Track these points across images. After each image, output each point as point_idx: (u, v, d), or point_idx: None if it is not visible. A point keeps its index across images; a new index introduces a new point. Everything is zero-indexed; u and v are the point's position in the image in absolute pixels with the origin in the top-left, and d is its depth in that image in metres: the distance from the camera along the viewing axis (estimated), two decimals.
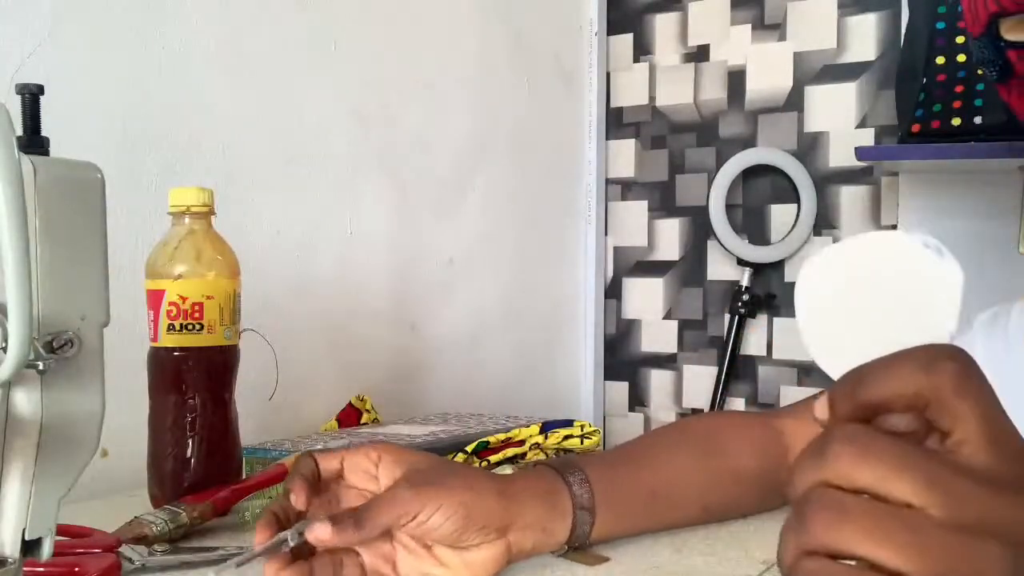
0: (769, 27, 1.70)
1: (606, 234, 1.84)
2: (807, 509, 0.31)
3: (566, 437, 0.93)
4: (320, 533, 0.50)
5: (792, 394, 1.68)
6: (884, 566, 0.29)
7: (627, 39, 1.83)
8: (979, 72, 1.37)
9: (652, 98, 1.81)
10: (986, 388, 0.32)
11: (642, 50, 1.82)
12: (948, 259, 0.34)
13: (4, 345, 0.37)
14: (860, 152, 1.45)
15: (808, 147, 1.67)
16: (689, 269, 1.78)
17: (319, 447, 0.81)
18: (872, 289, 0.34)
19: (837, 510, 0.30)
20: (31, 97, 0.45)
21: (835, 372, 0.34)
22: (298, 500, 0.53)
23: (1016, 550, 0.30)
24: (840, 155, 1.64)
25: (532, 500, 0.58)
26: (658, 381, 1.82)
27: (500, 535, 0.55)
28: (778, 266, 1.70)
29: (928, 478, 0.30)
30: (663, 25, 1.80)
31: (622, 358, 1.85)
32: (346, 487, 0.58)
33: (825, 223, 1.66)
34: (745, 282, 1.69)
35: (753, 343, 1.72)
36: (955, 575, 0.29)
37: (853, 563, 0.30)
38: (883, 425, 0.33)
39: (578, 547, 0.61)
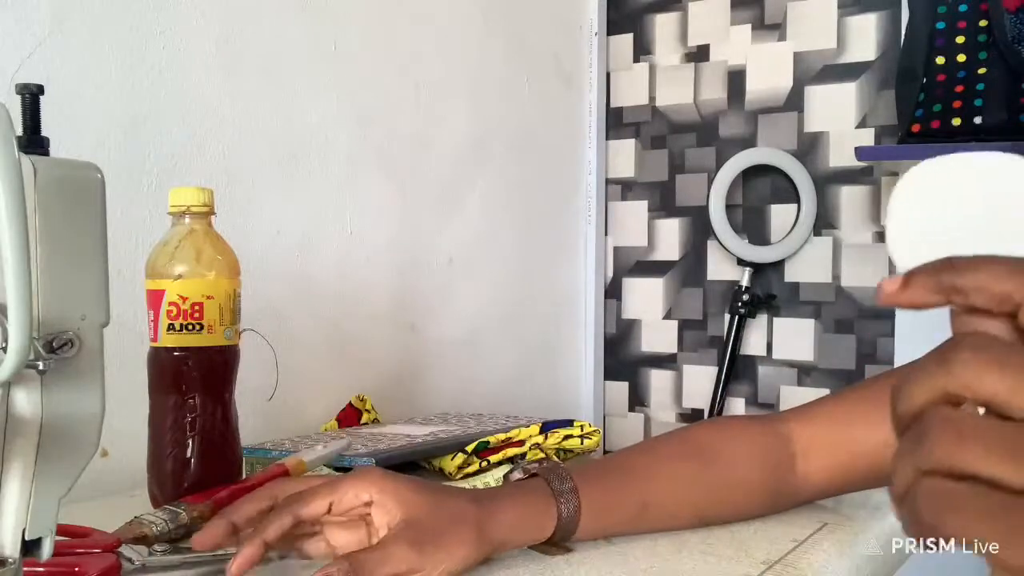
0: (769, 27, 1.70)
1: (606, 234, 1.84)
2: (925, 428, 0.29)
3: (566, 437, 0.93)
4: None
5: (792, 394, 1.68)
6: (1009, 485, 0.28)
7: (627, 39, 1.83)
8: (980, 72, 1.37)
9: (652, 98, 1.81)
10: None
11: (642, 50, 1.82)
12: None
13: (4, 345, 0.37)
14: (860, 152, 1.45)
15: (808, 147, 1.67)
16: (689, 269, 1.78)
17: (319, 447, 0.81)
18: (969, 205, 0.34)
19: (957, 428, 0.29)
20: (31, 97, 0.45)
21: None
22: (202, 543, 0.57)
23: None
24: (840, 155, 1.64)
25: (520, 533, 0.60)
26: (658, 381, 1.82)
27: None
28: (778, 266, 1.70)
29: None
30: (663, 25, 1.80)
31: (622, 358, 1.85)
32: (332, 522, 0.58)
33: (825, 223, 1.66)
34: (745, 282, 1.69)
35: (753, 343, 1.73)
36: None
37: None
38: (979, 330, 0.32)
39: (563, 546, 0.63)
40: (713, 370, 1.74)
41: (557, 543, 0.62)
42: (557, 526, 0.61)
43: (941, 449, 0.29)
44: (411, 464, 0.90)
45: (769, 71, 1.70)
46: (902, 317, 1.58)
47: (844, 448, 0.68)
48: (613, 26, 1.83)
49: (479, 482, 0.83)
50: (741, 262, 1.71)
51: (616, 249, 1.85)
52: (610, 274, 1.85)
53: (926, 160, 0.35)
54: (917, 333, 1.56)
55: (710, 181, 1.74)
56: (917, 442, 0.30)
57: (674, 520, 0.67)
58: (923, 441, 0.29)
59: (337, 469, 0.80)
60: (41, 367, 0.40)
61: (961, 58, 1.40)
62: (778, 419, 0.71)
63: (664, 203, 1.81)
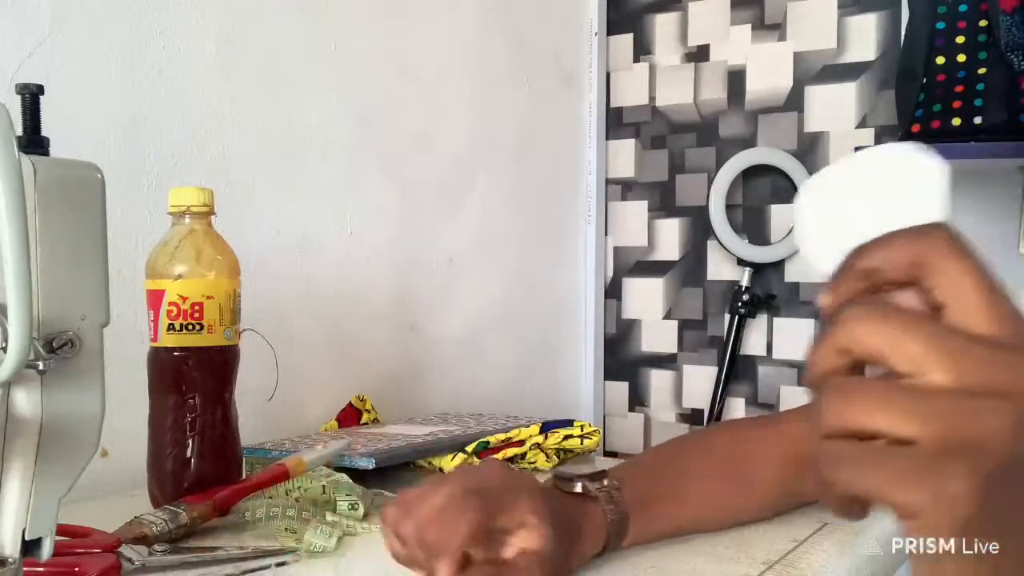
0: (769, 27, 1.70)
1: (606, 234, 1.84)
2: (821, 396, 0.32)
3: (566, 437, 0.93)
4: None
5: (792, 394, 1.68)
6: (896, 435, 0.30)
7: (627, 39, 1.83)
8: (980, 72, 1.37)
9: (652, 98, 1.81)
10: (976, 253, 0.32)
11: (642, 50, 1.82)
12: (929, 153, 0.36)
13: (4, 345, 0.37)
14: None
15: (808, 147, 1.67)
16: (689, 269, 1.78)
17: (319, 447, 0.81)
18: (866, 194, 0.36)
19: (843, 391, 0.31)
20: (31, 97, 0.45)
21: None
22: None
23: (1020, 407, 0.30)
24: (840, 155, 1.64)
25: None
26: (658, 381, 1.82)
27: None
28: (778, 266, 1.70)
29: (934, 340, 0.30)
30: (663, 25, 1.80)
31: (622, 358, 1.85)
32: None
33: None
34: (745, 282, 1.69)
35: (753, 343, 1.72)
36: (962, 435, 0.30)
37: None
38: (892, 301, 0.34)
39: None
40: (713, 370, 1.74)
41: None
42: (603, 550, 0.62)
43: (831, 412, 0.31)
44: (411, 464, 0.90)
45: (769, 71, 1.70)
46: None
47: None
48: (613, 26, 1.83)
49: None
50: (741, 262, 1.71)
51: (616, 249, 1.85)
52: (610, 274, 1.85)
53: (822, 169, 0.38)
54: None
55: (710, 181, 1.74)
56: (816, 410, 0.32)
57: (700, 531, 0.69)
58: (818, 408, 0.32)
59: (337, 469, 0.80)
60: (41, 367, 0.40)
61: (961, 58, 1.39)
62: (783, 420, 0.71)
63: (664, 203, 1.81)
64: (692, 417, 1.78)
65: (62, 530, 0.49)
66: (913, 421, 0.30)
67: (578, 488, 0.61)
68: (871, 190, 0.36)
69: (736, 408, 1.74)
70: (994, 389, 0.30)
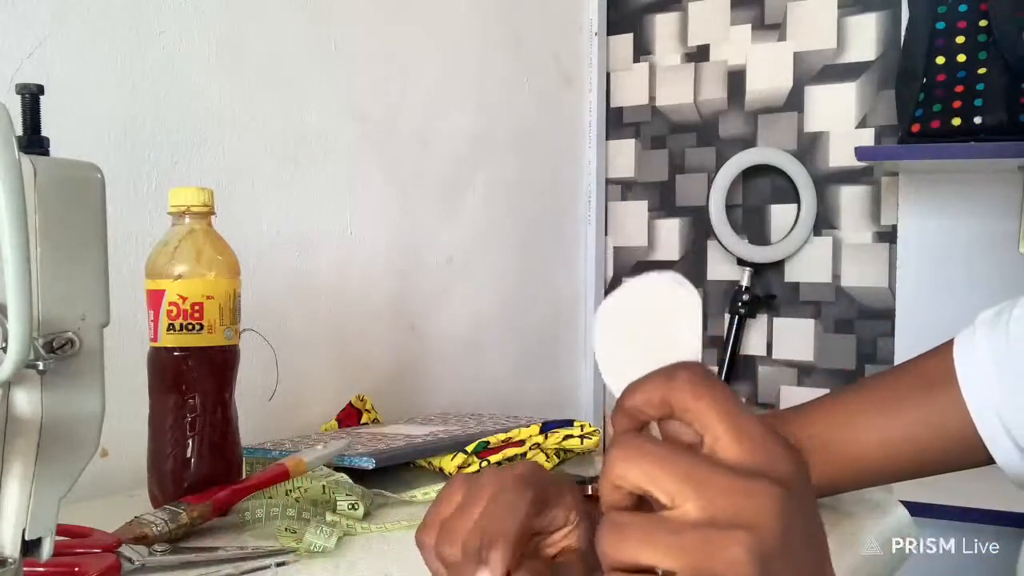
0: (769, 27, 1.70)
1: (606, 234, 1.84)
2: (600, 530, 0.35)
3: (566, 437, 0.93)
4: None
5: (792, 394, 1.68)
6: (664, 569, 0.34)
7: (627, 39, 1.83)
8: (980, 72, 1.37)
9: (652, 98, 1.81)
10: (720, 388, 0.36)
11: (642, 50, 1.82)
12: (687, 287, 0.40)
13: (4, 345, 0.37)
14: (860, 152, 1.45)
15: (808, 147, 1.67)
16: (689, 269, 1.78)
17: (319, 447, 0.81)
18: (643, 322, 0.40)
19: (617, 528, 0.34)
20: (31, 97, 0.44)
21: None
22: None
23: (762, 535, 0.33)
24: (840, 155, 1.64)
25: None
26: None
27: None
28: (778, 266, 1.70)
29: (685, 474, 0.34)
30: (663, 25, 1.80)
31: None
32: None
33: (825, 223, 1.66)
34: (745, 282, 1.69)
35: (753, 343, 1.73)
36: (712, 567, 0.33)
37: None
38: (668, 434, 0.38)
39: None
40: (713, 370, 1.74)
41: None
42: None
43: (610, 550, 0.34)
44: (411, 464, 0.90)
45: (769, 71, 1.70)
46: (902, 317, 1.58)
47: (842, 449, 0.68)
48: (613, 26, 1.83)
49: None
50: (741, 262, 1.71)
51: (616, 249, 1.85)
52: (610, 274, 1.85)
53: (615, 292, 0.42)
54: (917, 333, 1.56)
55: (710, 181, 1.74)
56: (598, 545, 0.35)
57: None
58: (599, 545, 0.35)
59: (337, 469, 0.80)
60: (41, 367, 0.40)
61: (961, 58, 1.40)
62: (781, 422, 0.71)
63: (664, 203, 1.81)
64: None
65: (62, 530, 0.49)
66: (671, 556, 0.33)
67: (590, 491, 0.60)
68: (641, 320, 0.40)
69: None
70: (739, 519, 0.33)
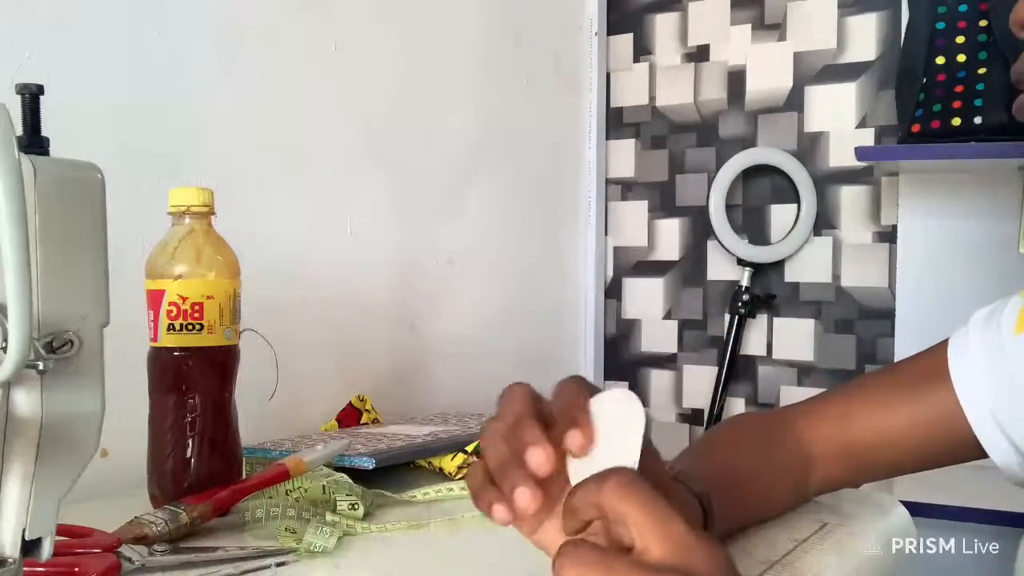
0: (769, 27, 1.70)
1: (606, 234, 1.84)
2: None
3: None
4: None
5: (792, 394, 1.68)
6: None
7: (627, 39, 1.83)
8: (980, 72, 1.37)
9: (652, 98, 1.81)
10: (646, 492, 0.39)
11: (642, 50, 1.82)
12: (635, 403, 0.45)
13: (4, 345, 0.37)
14: (860, 152, 1.45)
15: (808, 147, 1.67)
16: (689, 269, 1.78)
17: (319, 447, 0.81)
18: (603, 429, 0.45)
19: None
20: (31, 97, 0.44)
21: None
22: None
23: None
24: (840, 155, 1.64)
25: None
26: (658, 381, 1.82)
27: None
28: (778, 266, 1.70)
29: None
30: (663, 25, 1.80)
31: (622, 358, 1.85)
32: None
33: (825, 223, 1.66)
34: (745, 282, 1.69)
35: (753, 343, 1.72)
36: None
37: None
38: (612, 534, 0.42)
39: None
40: (713, 370, 1.74)
41: None
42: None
43: None
44: (411, 464, 0.90)
45: (769, 71, 1.70)
46: (902, 317, 1.58)
47: (846, 444, 0.69)
48: (613, 26, 1.83)
49: None
50: (741, 262, 1.71)
51: (616, 249, 1.85)
52: (610, 274, 1.85)
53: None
54: (917, 333, 1.56)
55: (710, 181, 1.74)
56: None
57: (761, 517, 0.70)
58: None
59: (337, 469, 0.80)
60: (41, 367, 0.40)
61: (961, 58, 1.39)
62: (790, 419, 0.71)
63: (664, 203, 1.81)
64: (692, 417, 1.78)
65: (62, 530, 0.49)
66: None
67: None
68: (598, 431, 0.45)
69: (736, 408, 1.74)
70: None
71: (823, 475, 0.70)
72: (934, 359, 0.66)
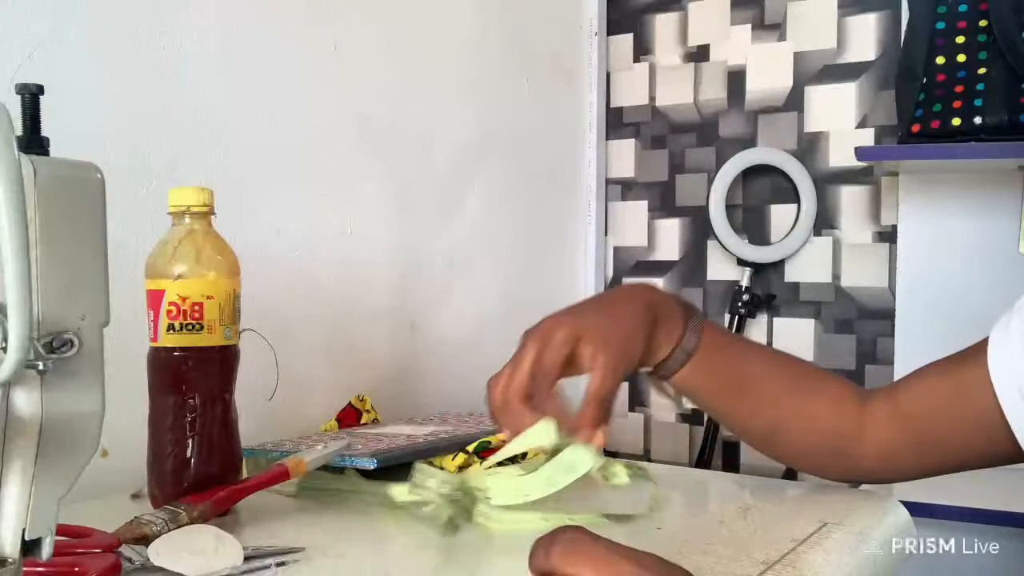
0: (769, 27, 1.70)
1: (606, 234, 1.84)
2: None
3: None
4: None
5: None
6: None
7: (627, 39, 1.83)
8: (980, 72, 1.37)
9: (652, 98, 1.81)
10: (592, 551, 0.43)
11: (642, 50, 1.82)
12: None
13: (4, 345, 0.37)
14: (860, 152, 1.45)
15: (808, 147, 1.67)
16: (689, 269, 1.78)
17: (319, 447, 0.81)
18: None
19: None
20: (31, 97, 0.44)
21: None
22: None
23: None
24: (840, 155, 1.64)
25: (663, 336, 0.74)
26: None
27: None
28: (778, 266, 1.70)
29: None
30: (663, 25, 1.80)
31: None
32: None
33: (825, 223, 1.66)
34: (745, 282, 1.69)
35: None
36: None
37: None
38: None
39: (662, 376, 0.76)
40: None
41: (666, 378, 0.75)
42: (674, 348, 0.74)
43: None
44: (411, 464, 0.90)
45: (769, 71, 1.70)
46: (902, 317, 1.58)
47: (909, 433, 0.72)
48: (613, 26, 1.83)
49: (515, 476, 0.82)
50: (741, 262, 1.70)
51: (616, 249, 1.85)
52: (610, 274, 1.85)
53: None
54: (917, 333, 1.56)
55: (710, 181, 1.74)
56: None
57: (749, 422, 0.77)
58: None
59: (337, 469, 0.80)
60: (41, 367, 0.40)
61: (961, 58, 1.39)
62: (867, 392, 0.76)
63: (664, 203, 1.81)
64: (692, 417, 1.78)
65: (62, 530, 0.49)
66: None
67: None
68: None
69: None
70: None
71: (875, 456, 0.74)
72: (981, 341, 0.69)
